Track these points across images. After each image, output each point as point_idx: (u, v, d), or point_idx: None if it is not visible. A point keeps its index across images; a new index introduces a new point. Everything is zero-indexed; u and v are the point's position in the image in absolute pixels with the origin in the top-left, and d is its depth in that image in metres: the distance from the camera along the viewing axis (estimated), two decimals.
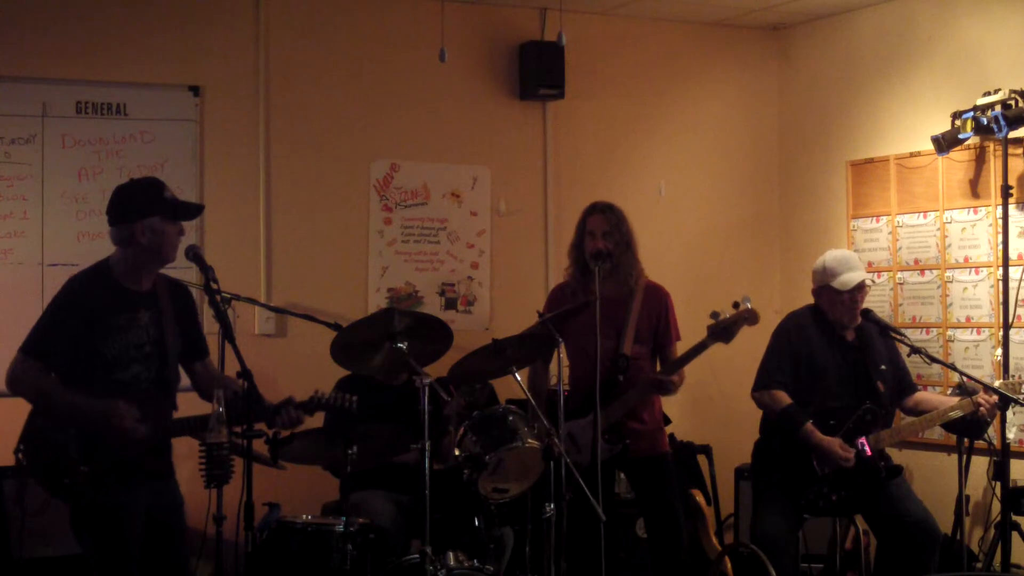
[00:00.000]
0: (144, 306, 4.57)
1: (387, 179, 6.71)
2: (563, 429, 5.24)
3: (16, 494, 5.42)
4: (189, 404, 4.73)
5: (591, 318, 5.23)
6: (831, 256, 5.61)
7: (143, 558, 4.48)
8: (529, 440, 4.88)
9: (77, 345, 4.46)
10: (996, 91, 6.00)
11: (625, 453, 5.43)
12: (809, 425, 5.40)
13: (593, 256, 5.42)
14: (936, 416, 5.50)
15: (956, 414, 5.44)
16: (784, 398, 5.49)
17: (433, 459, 4.80)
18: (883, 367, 5.54)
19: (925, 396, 5.70)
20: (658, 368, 5.53)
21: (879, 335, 5.60)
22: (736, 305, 5.22)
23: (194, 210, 4.76)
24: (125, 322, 4.51)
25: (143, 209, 4.51)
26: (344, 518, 4.69)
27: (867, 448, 5.37)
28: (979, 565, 5.94)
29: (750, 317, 5.21)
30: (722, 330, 5.23)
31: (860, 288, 5.52)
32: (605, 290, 5.41)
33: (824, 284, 5.55)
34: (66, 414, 4.42)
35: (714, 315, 5.25)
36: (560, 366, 5.22)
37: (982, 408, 5.36)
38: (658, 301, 5.58)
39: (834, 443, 5.37)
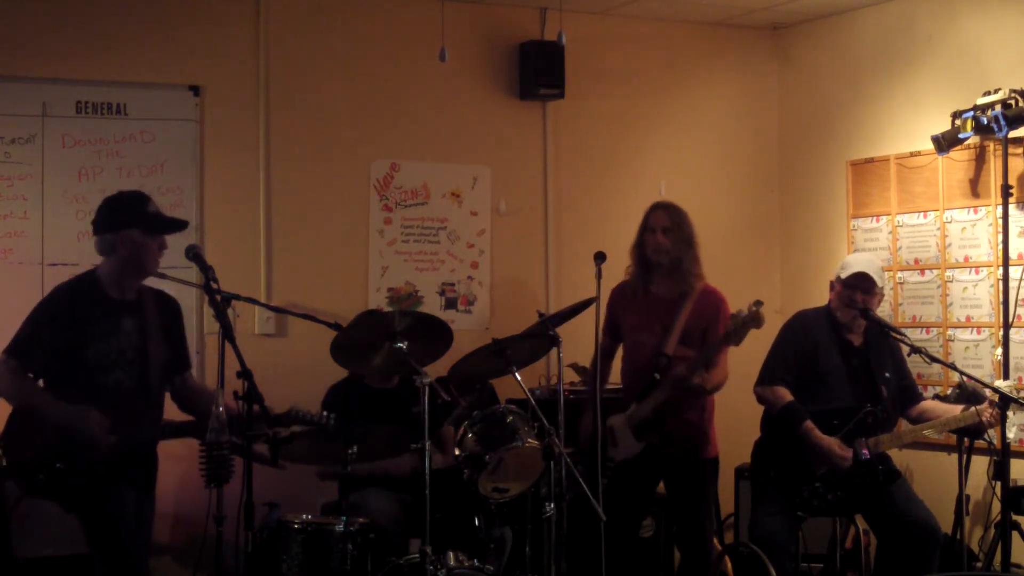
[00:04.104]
0: (128, 314, 4.64)
1: (387, 179, 6.71)
2: (607, 423, 5.32)
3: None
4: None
5: (644, 316, 5.34)
6: (854, 254, 5.68)
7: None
8: (529, 440, 4.89)
9: (58, 349, 4.53)
10: (996, 91, 6.00)
11: (658, 453, 5.45)
12: (809, 423, 5.41)
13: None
14: (938, 425, 5.51)
15: (960, 424, 5.46)
16: (786, 395, 5.50)
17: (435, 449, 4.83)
18: (887, 374, 5.56)
19: (930, 406, 5.69)
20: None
21: (885, 343, 5.60)
22: (750, 308, 5.25)
23: (176, 225, 4.81)
24: (107, 328, 4.57)
25: (124, 221, 4.62)
26: (344, 518, 4.70)
27: (865, 452, 5.38)
28: (979, 565, 5.94)
29: (755, 319, 5.24)
30: (734, 332, 5.26)
31: (861, 286, 5.51)
32: (660, 289, 5.47)
33: (835, 276, 5.61)
34: (41, 416, 4.46)
35: (732, 317, 5.29)
36: (560, 366, 5.23)
37: (985, 422, 5.37)
38: (712, 306, 5.56)
39: (833, 443, 5.38)
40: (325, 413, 4.75)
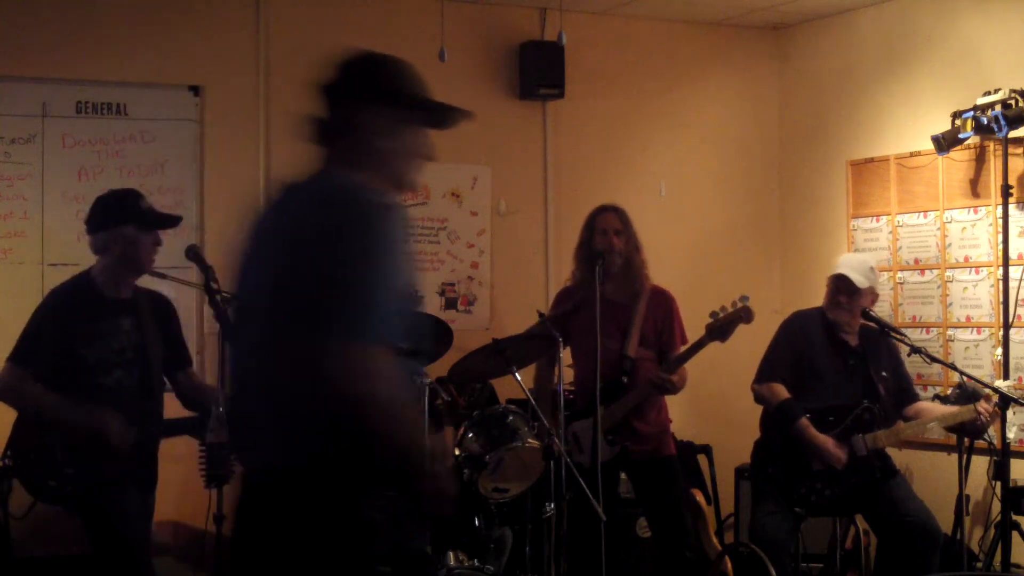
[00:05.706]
0: (124, 313, 4.64)
1: None
2: (570, 429, 5.26)
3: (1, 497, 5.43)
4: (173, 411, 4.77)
5: (600, 319, 5.25)
6: (845, 255, 5.70)
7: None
8: (529, 440, 4.89)
9: (58, 352, 4.52)
10: (996, 91, 6.00)
11: (627, 455, 5.43)
12: (804, 420, 5.41)
13: (601, 253, 5.43)
14: (937, 419, 5.51)
15: (957, 420, 5.46)
16: (782, 392, 5.51)
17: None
18: (884, 373, 5.56)
19: (926, 406, 5.68)
20: None
21: (883, 342, 5.60)
22: (734, 304, 5.24)
23: (169, 221, 4.80)
24: (105, 328, 4.57)
25: (117, 218, 4.60)
26: None
27: (863, 448, 5.38)
28: (979, 565, 5.94)
29: (745, 315, 5.23)
30: (718, 328, 5.25)
31: (842, 288, 5.50)
32: (611, 292, 5.43)
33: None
34: (54, 423, 4.45)
35: (713, 314, 5.28)
36: (561, 366, 5.22)
37: (982, 417, 5.37)
38: (664, 306, 5.56)
39: (827, 441, 5.38)
40: None
